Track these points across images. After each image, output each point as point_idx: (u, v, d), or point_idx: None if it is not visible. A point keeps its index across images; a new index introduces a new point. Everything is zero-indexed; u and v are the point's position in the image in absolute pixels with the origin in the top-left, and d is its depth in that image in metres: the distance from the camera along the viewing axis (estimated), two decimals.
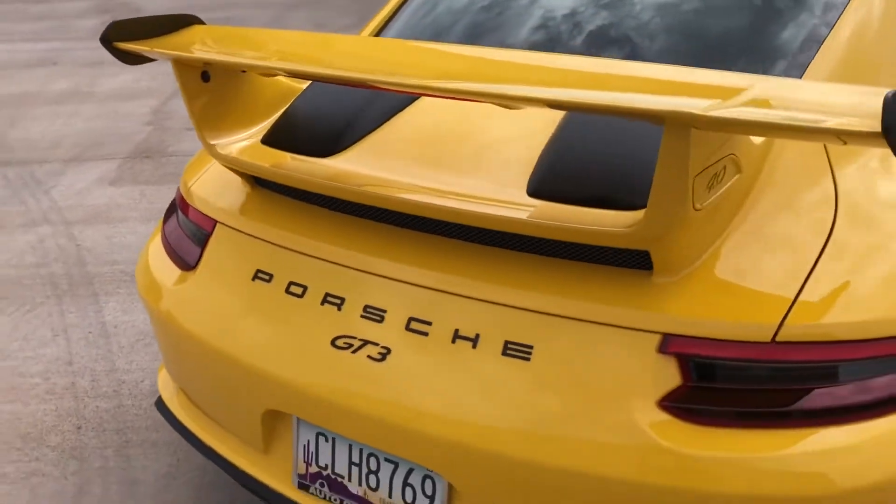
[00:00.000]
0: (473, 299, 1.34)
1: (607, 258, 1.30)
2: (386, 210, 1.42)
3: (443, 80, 1.20)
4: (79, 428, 2.40)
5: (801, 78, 1.50)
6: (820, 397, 1.22)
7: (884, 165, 1.45)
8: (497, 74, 1.23)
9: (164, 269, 1.75)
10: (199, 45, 1.52)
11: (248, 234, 1.60)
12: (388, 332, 1.38)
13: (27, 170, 4.28)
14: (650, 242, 1.19)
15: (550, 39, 1.76)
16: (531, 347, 1.29)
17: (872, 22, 1.63)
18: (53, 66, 6.25)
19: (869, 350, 1.21)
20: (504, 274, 1.34)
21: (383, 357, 1.37)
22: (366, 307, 1.41)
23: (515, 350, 1.29)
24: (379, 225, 1.47)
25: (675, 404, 1.23)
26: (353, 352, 1.39)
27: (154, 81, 5.59)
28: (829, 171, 1.40)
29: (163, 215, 1.92)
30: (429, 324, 1.36)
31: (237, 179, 1.69)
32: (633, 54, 1.65)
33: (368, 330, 1.40)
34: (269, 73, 1.59)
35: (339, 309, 1.43)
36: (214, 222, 1.67)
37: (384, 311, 1.40)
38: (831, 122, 0.99)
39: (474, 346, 1.32)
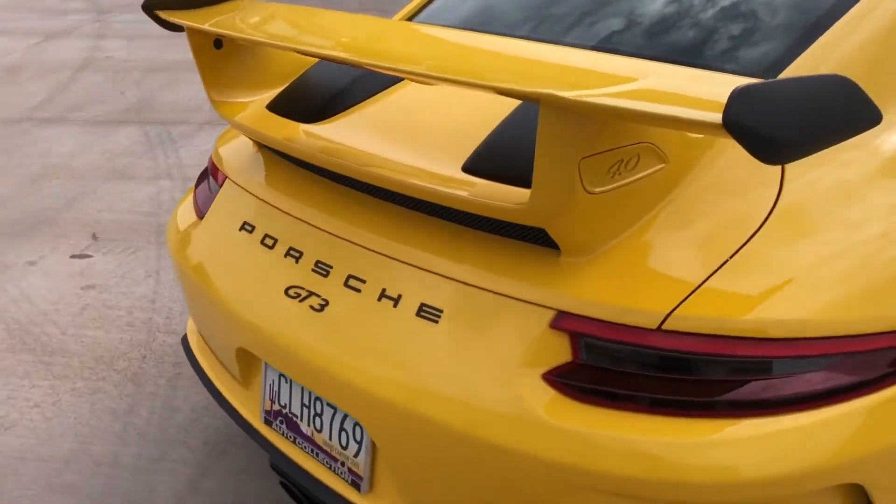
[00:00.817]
0: (402, 262, 1.43)
1: (526, 235, 1.36)
2: (344, 175, 1.54)
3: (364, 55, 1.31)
4: (144, 357, 2.69)
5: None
6: (700, 389, 1.22)
7: (845, 173, 1.40)
8: (405, 50, 1.32)
9: (185, 217, 1.96)
10: (233, 22, 1.68)
11: (244, 189, 1.77)
12: (330, 287, 1.50)
13: (166, 129, 4.72)
14: (542, 220, 1.24)
15: (566, 29, 1.81)
16: (441, 312, 1.37)
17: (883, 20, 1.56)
18: None
19: (754, 349, 1.20)
20: (433, 241, 1.43)
21: (322, 308, 1.49)
22: (317, 262, 1.54)
23: (428, 312, 1.38)
24: (339, 188, 1.59)
25: (560, 379, 1.27)
26: (300, 301, 1.53)
27: None
28: (781, 170, 1.37)
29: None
30: (363, 282, 1.47)
31: (250, 142, 1.87)
32: (637, 46, 1.67)
33: (315, 283, 1.52)
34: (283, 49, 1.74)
35: (297, 262, 1.57)
36: (225, 177, 1.85)
37: (330, 267, 1.52)
38: (680, 113, 1.01)
39: (395, 306, 1.41)
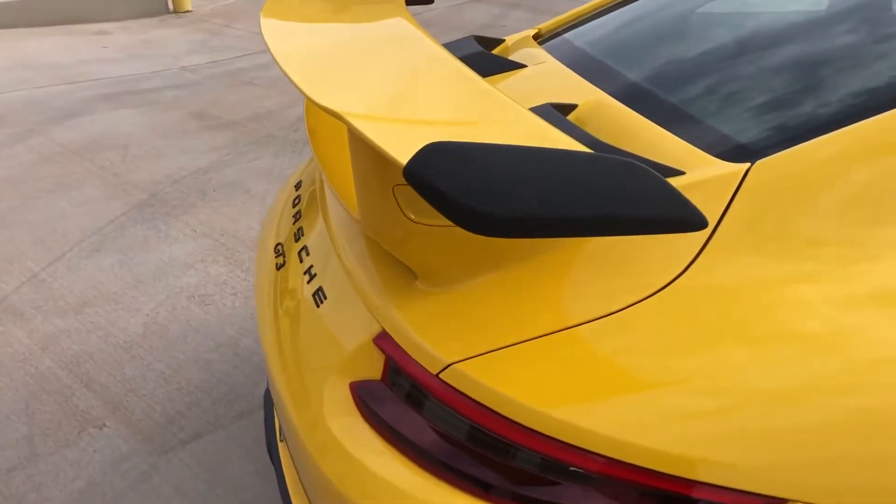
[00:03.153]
0: (330, 243, 1.52)
1: None
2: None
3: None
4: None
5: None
6: (456, 454, 1.14)
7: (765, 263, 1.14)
8: None
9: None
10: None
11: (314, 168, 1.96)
12: (292, 253, 1.65)
13: None
14: (378, 239, 1.24)
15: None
16: (325, 298, 1.44)
17: None
18: None
19: (524, 437, 1.09)
20: (352, 230, 1.48)
21: (279, 268, 1.65)
22: (299, 229, 1.69)
23: (318, 295, 1.46)
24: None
25: (363, 392, 1.27)
26: (277, 256, 1.70)
27: None
28: (699, 249, 1.17)
29: None
30: (308, 254, 1.59)
31: None
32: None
33: (290, 246, 1.68)
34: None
35: (294, 222, 1.74)
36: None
37: (303, 235, 1.66)
38: (382, 143, 0.97)
39: (308, 282, 1.52)
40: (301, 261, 1.59)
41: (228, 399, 2.49)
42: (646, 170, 0.96)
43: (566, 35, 1.96)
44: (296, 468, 1.53)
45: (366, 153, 1.14)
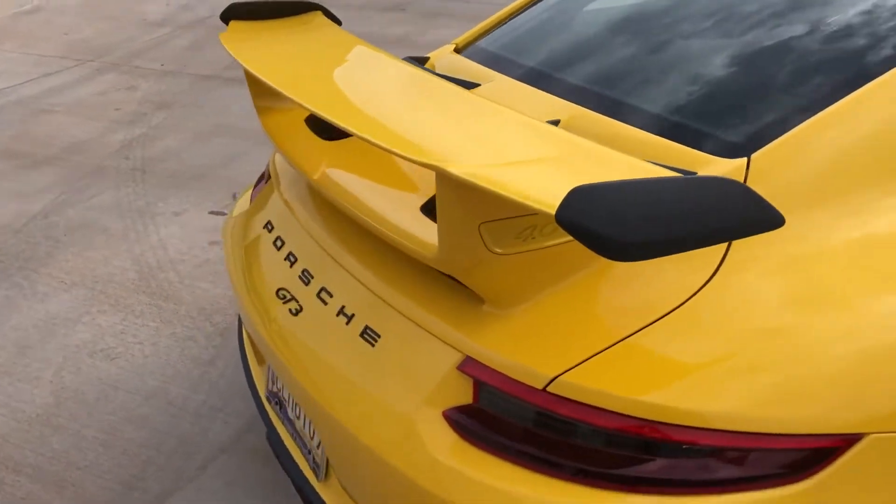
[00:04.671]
0: (361, 284, 1.57)
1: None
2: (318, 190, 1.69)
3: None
4: (238, 316, 3.02)
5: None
6: (574, 455, 1.27)
7: (794, 255, 1.36)
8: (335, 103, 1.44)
9: (240, 207, 2.20)
10: (272, 46, 1.86)
11: (277, 191, 1.97)
12: (308, 295, 1.67)
13: None
14: (452, 271, 1.33)
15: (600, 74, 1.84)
16: (379, 336, 1.50)
17: None
18: (401, 12, 7.09)
19: (634, 427, 1.24)
20: (388, 269, 1.55)
21: (297, 313, 1.67)
22: (304, 270, 1.71)
23: (369, 335, 1.51)
24: (331, 204, 1.75)
25: (458, 419, 1.36)
26: (284, 303, 1.71)
27: None
28: (724, 254, 1.36)
29: None
30: (331, 296, 1.62)
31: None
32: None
33: (298, 288, 1.70)
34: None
35: (291, 266, 1.75)
36: (269, 175, 2.07)
37: (312, 277, 1.69)
38: (521, 200, 1.07)
39: (347, 323, 1.56)
40: (325, 303, 1.62)
41: (183, 451, 2.42)
42: (734, 181, 1.12)
43: (499, 46, 2.09)
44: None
45: (457, 199, 1.22)
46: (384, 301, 1.52)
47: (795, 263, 1.36)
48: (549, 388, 1.28)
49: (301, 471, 1.76)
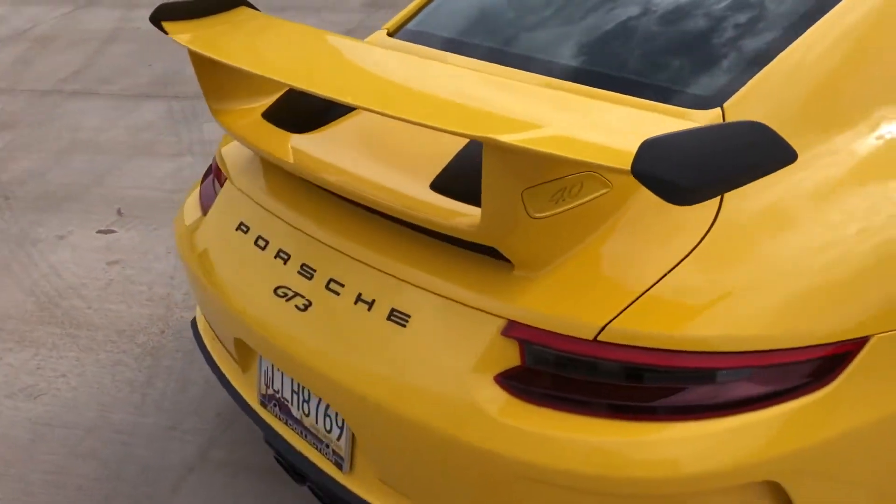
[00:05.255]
0: (376, 269, 1.59)
1: (486, 249, 1.50)
2: (319, 185, 1.69)
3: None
4: (162, 332, 2.90)
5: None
6: (631, 395, 1.37)
7: (779, 195, 1.52)
8: (367, 84, 1.46)
9: (191, 212, 2.13)
10: (219, 38, 1.83)
11: (242, 192, 1.92)
12: (313, 288, 1.66)
13: (191, 104, 4.89)
14: (492, 241, 1.39)
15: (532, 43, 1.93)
16: (409, 316, 1.52)
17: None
18: None
19: (682, 361, 1.35)
20: (404, 251, 1.58)
21: (306, 308, 1.66)
22: (302, 265, 1.70)
23: (397, 317, 1.53)
24: (325, 195, 1.74)
25: (509, 381, 1.42)
26: (287, 300, 1.69)
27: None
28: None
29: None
30: (342, 285, 1.62)
31: None
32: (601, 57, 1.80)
33: (300, 284, 1.69)
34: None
35: (285, 263, 1.73)
36: (225, 178, 2.01)
37: (315, 271, 1.68)
38: (592, 160, 1.14)
39: (369, 309, 1.57)
40: (337, 294, 1.62)
41: (148, 477, 2.31)
42: (761, 124, 1.24)
43: (439, 26, 2.13)
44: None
45: (503, 169, 1.27)
46: (406, 282, 1.54)
47: (781, 193, 1.51)
48: (599, 338, 1.36)
49: (319, 468, 1.75)
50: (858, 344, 1.41)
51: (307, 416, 1.77)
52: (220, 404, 2.55)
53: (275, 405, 1.86)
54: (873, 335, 1.41)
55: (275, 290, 1.72)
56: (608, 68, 1.77)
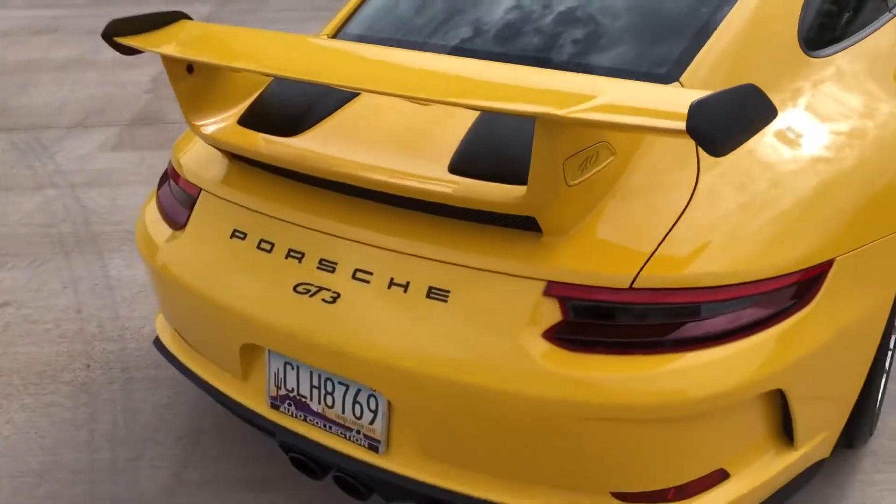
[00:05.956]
0: (405, 254, 1.68)
1: (508, 222, 1.64)
2: (334, 181, 1.76)
3: (374, 84, 1.55)
4: (88, 366, 2.76)
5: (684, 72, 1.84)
6: (662, 331, 1.57)
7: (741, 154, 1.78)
8: (415, 79, 1.57)
9: (158, 227, 2.09)
10: (184, 43, 1.85)
11: (226, 200, 1.94)
12: (339, 280, 1.73)
13: (33, 135, 4.60)
14: (533, 210, 1.54)
15: (483, 37, 2.10)
16: (448, 292, 1.64)
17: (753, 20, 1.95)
18: (55, 34, 6.52)
19: (709, 295, 1.57)
20: (428, 234, 1.68)
21: (334, 300, 1.72)
22: (321, 260, 1.76)
23: (437, 294, 1.64)
24: (332, 193, 1.81)
25: (556, 335, 1.58)
26: (311, 296, 1.74)
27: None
28: (695, 150, 1.74)
29: (158, 180, 2.27)
30: (370, 273, 1.70)
31: (218, 154, 2.03)
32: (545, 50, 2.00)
33: (323, 278, 1.74)
34: (240, 71, 1.92)
35: (300, 262, 1.78)
36: (199, 189, 2.01)
37: (336, 264, 1.74)
38: (650, 123, 1.33)
39: (405, 291, 1.67)
40: (367, 282, 1.70)
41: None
42: (755, 87, 1.47)
43: (382, 26, 2.24)
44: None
45: (553, 140, 1.43)
46: (439, 261, 1.65)
47: (744, 150, 1.77)
48: (633, 286, 1.55)
49: (349, 456, 1.81)
50: (826, 266, 1.69)
51: (330, 407, 1.83)
52: (178, 427, 2.49)
53: (289, 404, 1.89)
54: (836, 257, 1.71)
55: (294, 288, 1.76)
56: (567, 55, 1.97)
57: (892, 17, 2.44)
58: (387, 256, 1.70)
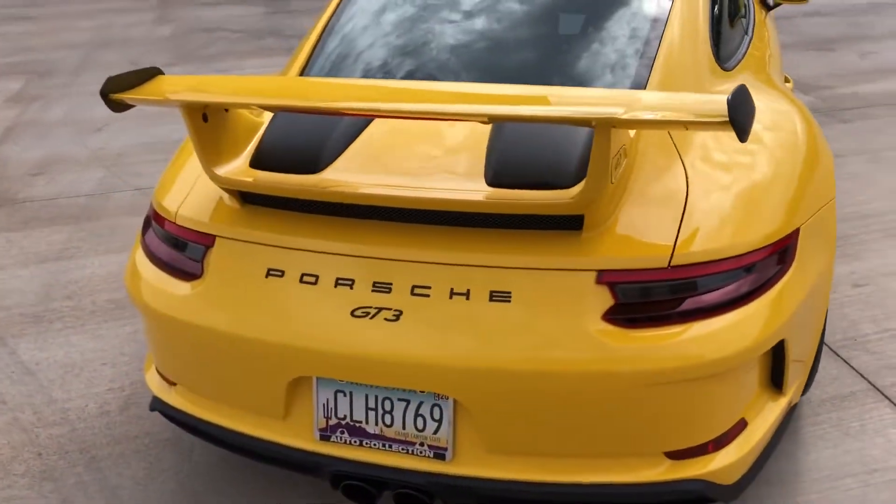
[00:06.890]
0: (460, 266, 1.81)
1: (545, 225, 1.83)
2: (376, 207, 1.86)
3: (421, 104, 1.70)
4: (40, 454, 2.57)
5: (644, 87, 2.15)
6: (698, 300, 1.82)
7: (709, 143, 2.10)
8: (468, 100, 1.73)
9: (161, 280, 2.05)
10: (192, 90, 1.88)
11: (251, 242, 1.96)
12: (398, 299, 1.82)
13: None
14: (583, 208, 1.74)
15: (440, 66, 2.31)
16: (510, 293, 1.79)
17: (684, 33, 2.31)
18: None
19: (731, 264, 1.84)
20: (477, 244, 1.83)
21: (397, 317, 1.81)
22: (374, 283, 1.84)
23: (499, 296, 1.79)
24: (364, 220, 1.91)
25: (612, 316, 1.78)
26: (371, 318, 1.82)
27: None
28: (675, 150, 2.03)
29: (140, 232, 2.23)
30: (429, 287, 1.82)
31: (222, 200, 2.05)
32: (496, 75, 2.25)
33: (380, 300, 1.83)
34: (251, 107, 1.96)
35: (351, 288, 1.85)
36: (213, 237, 2.01)
37: (390, 284, 1.83)
38: (698, 118, 1.58)
39: (467, 298, 1.80)
40: (427, 296, 1.81)
41: None
42: (744, 86, 1.77)
43: (353, 61, 2.37)
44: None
45: (608, 142, 1.65)
46: (493, 267, 1.80)
47: (710, 141, 2.09)
48: (671, 264, 1.80)
49: (413, 470, 1.88)
50: (795, 234, 2.04)
51: (389, 426, 1.90)
52: (169, 494, 2.39)
53: (342, 432, 1.93)
54: (800, 226, 2.06)
55: (352, 313, 1.83)
56: (540, 81, 2.21)
57: (755, 26, 2.97)
58: (440, 270, 1.83)
